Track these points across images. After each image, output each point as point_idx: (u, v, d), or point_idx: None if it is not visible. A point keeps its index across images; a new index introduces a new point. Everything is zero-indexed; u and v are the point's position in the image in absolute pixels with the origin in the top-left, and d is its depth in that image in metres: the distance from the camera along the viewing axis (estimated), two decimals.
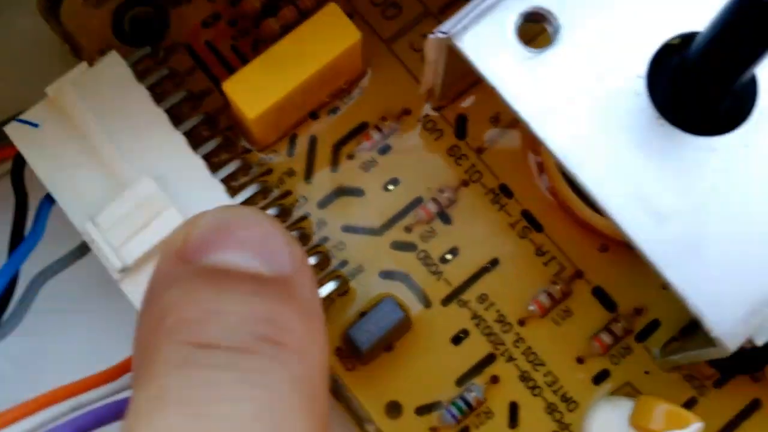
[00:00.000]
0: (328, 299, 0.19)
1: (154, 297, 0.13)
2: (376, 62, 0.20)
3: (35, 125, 0.19)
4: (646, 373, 0.18)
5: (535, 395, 0.18)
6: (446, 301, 0.19)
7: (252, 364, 0.12)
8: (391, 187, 0.20)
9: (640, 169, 0.15)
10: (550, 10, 0.16)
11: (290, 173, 0.20)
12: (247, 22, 0.20)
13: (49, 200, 0.18)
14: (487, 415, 0.18)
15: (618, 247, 0.19)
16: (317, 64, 0.19)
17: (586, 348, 0.18)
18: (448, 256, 0.19)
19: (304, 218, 0.19)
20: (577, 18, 0.16)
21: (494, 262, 0.19)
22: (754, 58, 0.14)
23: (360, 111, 0.20)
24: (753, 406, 0.18)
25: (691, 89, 0.15)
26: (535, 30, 0.16)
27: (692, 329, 0.18)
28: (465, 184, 0.20)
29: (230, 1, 0.21)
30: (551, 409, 0.18)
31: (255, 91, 0.18)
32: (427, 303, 0.19)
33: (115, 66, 0.19)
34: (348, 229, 0.19)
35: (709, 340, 0.15)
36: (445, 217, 0.19)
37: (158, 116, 0.19)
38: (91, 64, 0.19)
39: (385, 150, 0.20)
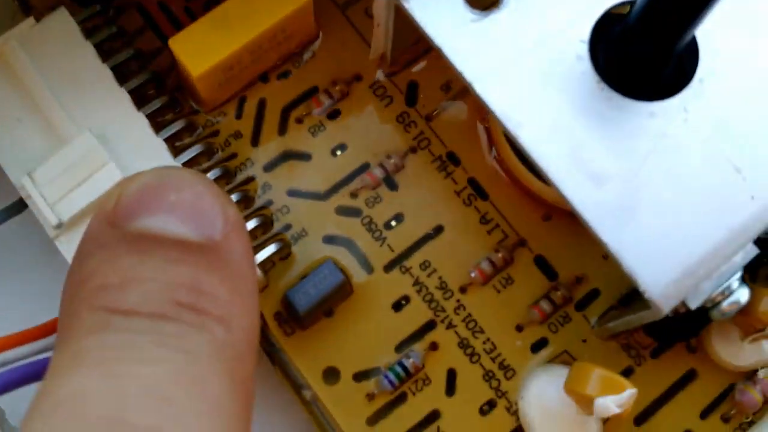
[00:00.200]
0: (269, 262, 0.19)
1: (79, 261, 0.13)
2: (330, 27, 0.20)
3: None
4: (584, 341, 0.18)
5: (473, 362, 0.18)
6: (389, 267, 0.19)
7: (171, 330, 0.12)
8: (338, 152, 0.19)
9: (579, 131, 0.15)
10: None
11: (237, 135, 0.20)
12: None
13: None
14: (425, 381, 0.18)
15: (561, 216, 0.19)
16: (266, 23, 0.18)
17: (526, 316, 0.18)
18: (393, 223, 0.19)
19: (249, 181, 0.19)
20: None
21: (438, 229, 0.19)
22: (690, 20, 0.14)
23: (310, 75, 0.20)
24: (689, 377, 0.18)
25: (632, 54, 0.15)
26: None
27: (630, 298, 0.18)
28: (413, 150, 0.19)
29: None
30: (489, 376, 0.18)
31: (201, 48, 0.18)
32: (369, 269, 0.19)
33: (62, 22, 0.19)
34: (293, 193, 0.19)
35: (644, 304, 0.15)
36: (391, 183, 0.19)
37: (103, 73, 0.19)
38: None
39: (334, 115, 0.20)
